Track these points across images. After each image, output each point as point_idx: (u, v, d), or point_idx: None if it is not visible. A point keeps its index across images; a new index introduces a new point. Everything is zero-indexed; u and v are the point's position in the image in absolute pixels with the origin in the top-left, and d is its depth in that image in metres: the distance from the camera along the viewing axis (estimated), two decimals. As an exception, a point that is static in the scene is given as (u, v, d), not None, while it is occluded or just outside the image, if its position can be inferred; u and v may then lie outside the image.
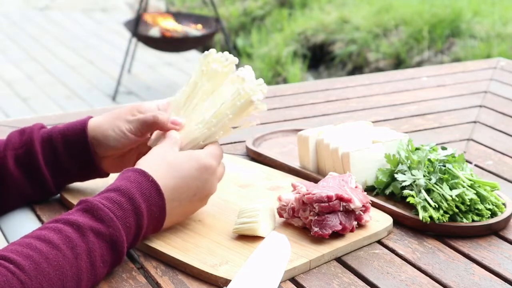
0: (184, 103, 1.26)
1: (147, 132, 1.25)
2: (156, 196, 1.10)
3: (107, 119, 1.26)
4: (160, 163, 1.14)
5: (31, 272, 0.94)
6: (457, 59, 4.82)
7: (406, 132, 1.60)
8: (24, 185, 1.25)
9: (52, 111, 4.53)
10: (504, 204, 1.27)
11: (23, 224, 1.24)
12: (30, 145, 1.25)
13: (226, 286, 1.01)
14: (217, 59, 1.25)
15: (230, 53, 1.28)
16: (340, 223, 1.16)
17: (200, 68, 1.25)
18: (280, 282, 1.06)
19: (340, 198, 1.16)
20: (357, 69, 5.20)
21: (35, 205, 1.29)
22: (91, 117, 1.28)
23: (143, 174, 1.10)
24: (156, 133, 1.25)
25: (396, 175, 1.28)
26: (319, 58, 5.48)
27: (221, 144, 1.55)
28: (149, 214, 1.09)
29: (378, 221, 1.22)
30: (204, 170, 1.17)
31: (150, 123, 1.23)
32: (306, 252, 1.13)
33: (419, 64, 4.92)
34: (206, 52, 1.27)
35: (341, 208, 1.16)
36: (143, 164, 1.13)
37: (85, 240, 1.00)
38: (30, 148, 1.25)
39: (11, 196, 1.26)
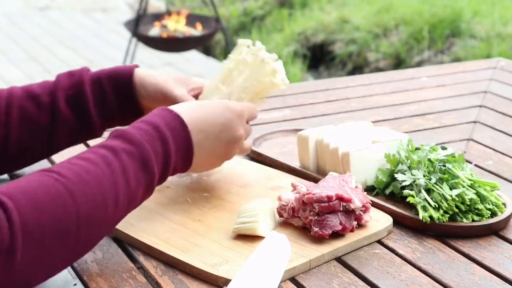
0: (216, 89, 1.35)
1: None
2: (180, 128, 1.15)
3: (153, 73, 1.36)
4: (189, 104, 1.21)
5: (73, 179, 1.00)
6: (457, 59, 4.82)
7: (406, 132, 1.60)
8: (73, 124, 1.31)
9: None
10: (504, 204, 1.27)
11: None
12: (80, 86, 1.31)
13: (226, 286, 1.01)
14: (250, 50, 1.34)
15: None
16: (340, 223, 1.16)
17: (235, 56, 1.35)
18: (280, 282, 1.06)
19: (340, 198, 1.16)
20: (357, 69, 5.20)
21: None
22: (137, 65, 1.36)
23: (167, 110, 1.17)
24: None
25: (396, 175, 1.28)
26: (319, 58, 5.48)
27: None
28: (175, 144, 1.14)
29: (378, 221, 1.22)
30: (228, 109, 1.22)
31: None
32: (306, 252, 1.13)
33: (419, 64, 4.93)
34: (240, 41, 1.37)
35: (341, 208, 1.17)
36: (172, 106, 1.20)
37: (119, 159, 1.06)
38: (81, 90, 1.31)
39: (62, 135, 1.31)
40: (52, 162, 1.47)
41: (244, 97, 1.33)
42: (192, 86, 1.38)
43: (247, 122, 1.28)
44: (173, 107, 1.18)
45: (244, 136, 1.26)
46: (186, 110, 1.19)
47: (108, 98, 1.32)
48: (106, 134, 1.35)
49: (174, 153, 1.14)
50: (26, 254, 0.93)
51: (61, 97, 1.30)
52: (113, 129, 1.13)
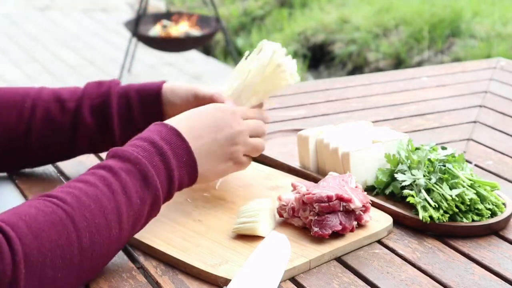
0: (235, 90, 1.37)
1: None
2: (177, 140, 1.14)
3: (182, 85, 1.37)
4: (181, 116, 1.21)
5: (73, 204, 0.99)
6: (457, 59, 4.82)
7: (406, 132, 1.59)
8: (94, 133, 1.34)
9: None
10: (504, 204, 1.27)
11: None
12: (107, 97, 1.34)
13: (226, 285, 1.01)
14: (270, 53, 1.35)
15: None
16: (340, 223, 1.16)
17: (254, 57, 1.36)
18: (280, 282, 1.06)
19: (340, 198, 1.16)
20: (357, 69, 5.20)
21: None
22: (165, 81, 1.37)
23: (162, 124, 1.17)
24: None
25: (396, 175, 1.28)
26: (319, 58, 5.48)
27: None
28: (175, 157, 1.13)
29: (378, 221, 1.22)
30: (217, 109, 1.22)
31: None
32: (306, 252, 1.13)
33: (419, 64, 4.93)
34: (261, 43, 1.38)
35: (341, 208, 1.17)
36: (166, 120, 1.20)
37: (118, 178, 1.05)
38: (107, 100, 1.34)
39: (82, 140, 1.35)
40: (57, 168, 1.48)
41: (253, 96, 1.36)
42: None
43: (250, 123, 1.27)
44: (166, 121, 1.18)
45: (245, 131, 1.24)
46: (178, 121, 1.18)
47: (134, 112, 1.34)
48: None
49: (176, 167, 1.13)
50: (29, 285, 0.92)
51: (87, 105, 1.34)
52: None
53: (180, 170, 1.14)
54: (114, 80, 1.38)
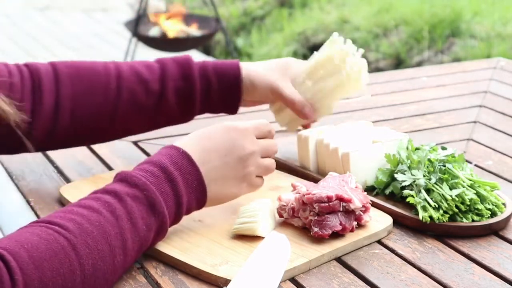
0: (302, 83, 1.45)
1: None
2: (188, 165, 1.12)
3: (258, 67, 1.42)
4: (192, 137, 1.18)
5: (75, 231, 0.98)
6: (457, 59, 4.81)
7: (406, 132, 1.59)
8: (176, 114, 1.39)
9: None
10: (504, 204, 1.27)
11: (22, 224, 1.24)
12: (190, 80, 1.37)
13: (226, 286, 1.01)
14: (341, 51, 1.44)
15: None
16: (340, 223, 1.16)
17: (326, 51, 1.45)
18: (280, 282, 1.06)
19: (340, 199, 1.16)
20: (357, 69, 5.19)
21: (34, 205, 1.29)
22: (238, 64, 1.41)
23: (173, 147, 1.14)
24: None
25: (396, 175, 1.28)
26: (319, 58, 5.47)
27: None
28: (185, 183, 1.11)
29: (378, 221, 1.22)
30: (229, 130, 1.18)
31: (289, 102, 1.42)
32: (306, 252, 1.13)
33: (419, 64, 4.92)
34: (334, 36, 1.48)
35: (341, 208, 1.16)
36: (177, 141, 1.18)
37: (124, 204, 1.04)
38: (191, 84, 1.37)
39: (162, 122, 1.41)
40: (57, 168, 1.47)
41: (321, 99, 1.45)
42: (293, 70, 1.44)
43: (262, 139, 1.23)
44: (179, 144, 1.15)
45: (257, 152, 1.20)
46: (190, 143, 1.16)
47: (213, 94, 1.39)
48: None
49: (186, 193, 1.11)
50: None
51: (171, 87, 1.37)
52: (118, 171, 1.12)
53: (189, 196, 1.12)
54: (187, 56, 1.40)
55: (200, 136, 1.18)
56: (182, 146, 1.15)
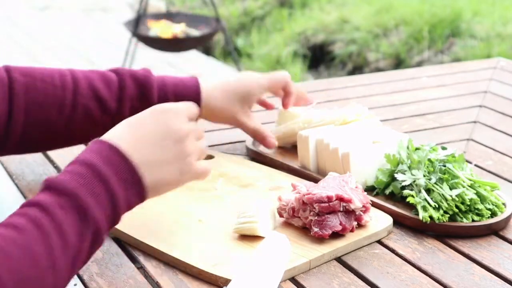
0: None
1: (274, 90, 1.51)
2: (118, 158, 1.02)
3: (217, 89, 1.43)
4: (120, 126, 1.09)
5: None
6: (457, 59, 4.82)
7: (406, 132, 1.60)
8: None
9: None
10: (504, 204, 1.27)
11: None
12: (148, 102, 1.36)
13: (226, 286, 1.01)
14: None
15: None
16: (340, 224, 1.16)
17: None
18: (280, 282, 1.06)
19: (340, 199, 1.16)
20: (357, 69, 5.20)
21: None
22: (197, 78, 1.41)
23: (100, 141, 1.04)
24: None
25: (396, 175, 1.28)
26: (319, 58, 5.48)
27: (220, 144, 1.55)
28: (118, 179, 1.01)
29: (378, 221, 1.22)
30: (162, 111, 1.08)
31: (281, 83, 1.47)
32: (306, 252, 1.13)
33: (419, 64, 4.93)
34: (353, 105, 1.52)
35: (341, 209, 1.16)
36: (106, 133, 1.08)
37: (51, 218, 0.95)
38: (149, 105, 1.27)
39: None
40: (57, 168, 1.48)
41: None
42: (253, 98, 1.46)
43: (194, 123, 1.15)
44: (108, 137, 1.05)
45: (193, 132, 1.10)
46: (119, 134, 1.06)
47: None
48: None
49: (121, 189, 1.01)
50: None
51: (128, 107, 1.36)
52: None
53: (126, 192, 1.02)
54: (147, 73, 1.38)
55: (130, 124, 1.08)
56: (111, 138, 1.04)
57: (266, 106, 1.55)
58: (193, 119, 1.13)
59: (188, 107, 1.12)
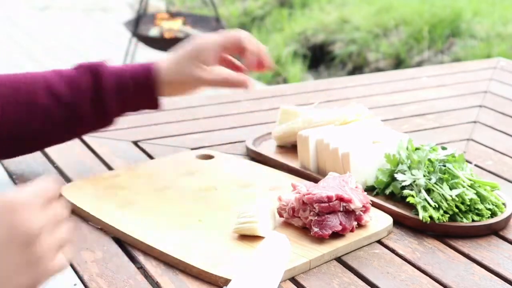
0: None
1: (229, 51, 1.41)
2: None
3: (175, 69, 1.39)
4: None
5: None
6: (457, 59, 4.82)
7: (406, 132, 1.59)
8: (93, 120, 1.38)
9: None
10: (504, 204, 1.27)
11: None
12: (104, 94, 1.37)
13: (226, 286, 1.01)
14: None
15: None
16: (340, 224, 1.16)
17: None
18: (280, 282, 1.06)
19: (340, 199, 1.16)
20: (357, 69, 5.20)
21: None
22: (153, 65, 1.40)
23: None
24: None
25: (396, 175, 1.28)
26: (319, 58, 5.48)
27: (220, 144, 1.56)
28: None
29: (378, 221, 1.22)
30: (2, 211, 0.80)
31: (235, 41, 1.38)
32: (306, 252, 1.13)
33: (419, 64, 4.92)
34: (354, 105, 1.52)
35: (341, 209, 1.16)
36: None
37: None
38: (104, 98, 1.37)
39: (79, 130, 1.41)
40: (57, 168, 1.48)
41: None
42: (204, 53, 1.39)
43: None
44: None
45: (48, 225, 0.82)
46: None
47: (130, 100, 1.39)
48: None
49: None
50: None
51: (86, 102, 1.36)
52: None
53: None
54: (102, 64, 1.45)
55: None
56: None
57: (234, 67, 1.44)
58: (52, 198, 0.85)
59: (40, 190, 0.84)
